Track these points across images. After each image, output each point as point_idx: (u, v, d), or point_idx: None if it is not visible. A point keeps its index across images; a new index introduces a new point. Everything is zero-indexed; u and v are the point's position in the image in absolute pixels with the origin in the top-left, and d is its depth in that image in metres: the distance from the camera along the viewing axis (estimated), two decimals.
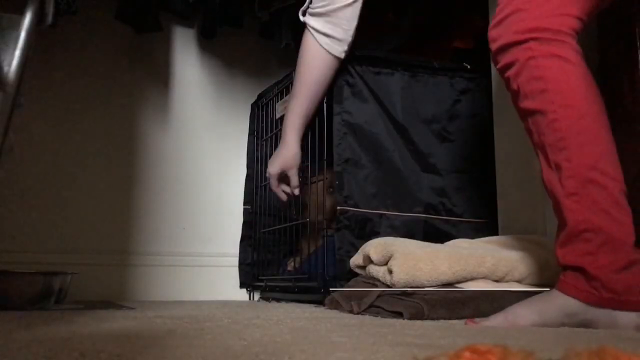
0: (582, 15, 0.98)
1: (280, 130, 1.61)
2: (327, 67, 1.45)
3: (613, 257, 0.88)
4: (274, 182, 1.58)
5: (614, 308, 0.88)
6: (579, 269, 0.90)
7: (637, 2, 1.31)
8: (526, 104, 0.97)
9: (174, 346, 0.65)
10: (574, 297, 0.90)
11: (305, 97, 1.48)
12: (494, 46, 1.02)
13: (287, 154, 1.53)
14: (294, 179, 1.56)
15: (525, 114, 0.99)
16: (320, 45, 1.42)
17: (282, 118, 1.84)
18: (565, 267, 0.93)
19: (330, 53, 1.43)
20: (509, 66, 0.99)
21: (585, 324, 0.90)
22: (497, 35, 1.01)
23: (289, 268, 1.70)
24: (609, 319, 0.88)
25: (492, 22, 1.03)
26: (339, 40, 1.42)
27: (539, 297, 0.96)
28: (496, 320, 0.95)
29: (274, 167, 1.56)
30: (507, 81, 1.01)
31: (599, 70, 1.38)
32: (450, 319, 1.08)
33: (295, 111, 1.50)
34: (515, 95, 1.00)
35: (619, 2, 1.33)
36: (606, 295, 0.88)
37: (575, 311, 0.90)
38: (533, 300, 0.96)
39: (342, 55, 1.44)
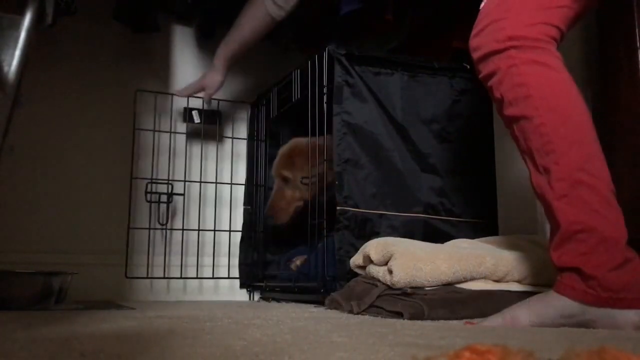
0: (560, 24, 0.99)
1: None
2: (266, 26, 1.73)
3: (608, 256, 0.89)
4: (185, 91, 1.90)
5: (612, 307, 0.88)
6: (575, 270, 0.90)
7: (637, 2, 1.31)
8: (511, 111, 0.98)
9: (174, 346, 0.65)
10: (571, 297, 0.90)
11: (240, 44, 1.78)
12: (475, 55, 1.03)
13: (213, 77, 1.84)
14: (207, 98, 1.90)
15: (511, 121, 0.99)
16: (267, 8, 1.69)
17: (278, 117, 1.85)
18: (562, 269, 0.93)
19: (272, 16, 1.70)
20: (491, 75, 1.01)
21: (584, 324, 0.90)
22: (478, 45, 1.02)
23: (292, 267, 1.70)
24: (607, 319, 0.88)
25: (472, 32, 1.04)
26: (281, 7, 1.68)
27: (537, 298, 0.96)
28: (494, 322, 0.95)
29: (190, 86, 1.90)
30: (490, 90, 1.02)
31: (599, 70, 1.38)
32: (450, 319, 1.08)
33: (230, 48, 1.79)
34: (499, 103, 1.01)
35: (619, 2, 1.33)
36: (603, 294, 0.88)
37: (574, 312, 0.90)
38: (531, 301, 0.96)
39: (280, 19, 1.72)
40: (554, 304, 0.92)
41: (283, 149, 1.80)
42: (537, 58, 0.97)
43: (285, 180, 1.75)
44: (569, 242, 0.91)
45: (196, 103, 1.97)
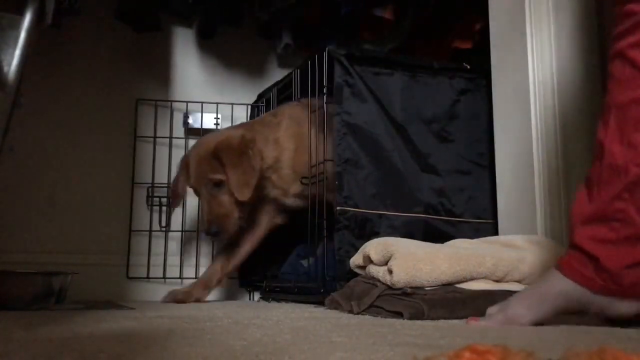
0: None
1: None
2: None
3: (630, 251, 0.86)
4: None
5: (615, 297, 0.87)
6: (592, 257, 0.87)
7: None
8: (637, 54, 0.83)
9: (174, 346, 0.65)
10: (578, 282, 0.88)
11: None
12: None
13: None
14: None
15: (626, 63, 0.85)
16: None
17: None
18: (577, 247, 0.89)
19: None
20: None
21: (581, 307, 0.89)
22: None
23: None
24: (607, 304, 0.88)
25: None
26: None
27: (537, 283, 0.95)
28: (494, 320, 0.95)
29: None
30: (627, 13, 0.85)
31: (599, 70, 1.38)
32: (450, 319, 1.08)
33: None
34: (629, 32, 0.85)
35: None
36: (612, 286, 0.87)
37: (576, 297, 0.89)
38: (530, 290, 0.95)
39: None
40: (556, 288, 0.90)
41: (198, 154, 1.56)
42: None
43: (218, 184, 1.53)
44: (601, 224, 0.87)
45: (196, 107, 1.97)
